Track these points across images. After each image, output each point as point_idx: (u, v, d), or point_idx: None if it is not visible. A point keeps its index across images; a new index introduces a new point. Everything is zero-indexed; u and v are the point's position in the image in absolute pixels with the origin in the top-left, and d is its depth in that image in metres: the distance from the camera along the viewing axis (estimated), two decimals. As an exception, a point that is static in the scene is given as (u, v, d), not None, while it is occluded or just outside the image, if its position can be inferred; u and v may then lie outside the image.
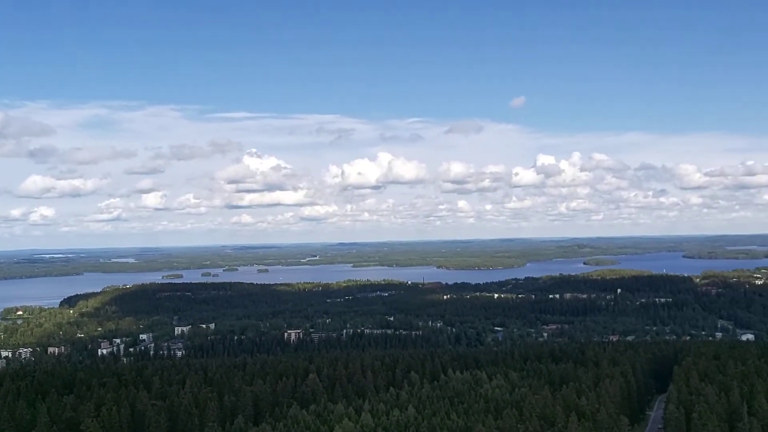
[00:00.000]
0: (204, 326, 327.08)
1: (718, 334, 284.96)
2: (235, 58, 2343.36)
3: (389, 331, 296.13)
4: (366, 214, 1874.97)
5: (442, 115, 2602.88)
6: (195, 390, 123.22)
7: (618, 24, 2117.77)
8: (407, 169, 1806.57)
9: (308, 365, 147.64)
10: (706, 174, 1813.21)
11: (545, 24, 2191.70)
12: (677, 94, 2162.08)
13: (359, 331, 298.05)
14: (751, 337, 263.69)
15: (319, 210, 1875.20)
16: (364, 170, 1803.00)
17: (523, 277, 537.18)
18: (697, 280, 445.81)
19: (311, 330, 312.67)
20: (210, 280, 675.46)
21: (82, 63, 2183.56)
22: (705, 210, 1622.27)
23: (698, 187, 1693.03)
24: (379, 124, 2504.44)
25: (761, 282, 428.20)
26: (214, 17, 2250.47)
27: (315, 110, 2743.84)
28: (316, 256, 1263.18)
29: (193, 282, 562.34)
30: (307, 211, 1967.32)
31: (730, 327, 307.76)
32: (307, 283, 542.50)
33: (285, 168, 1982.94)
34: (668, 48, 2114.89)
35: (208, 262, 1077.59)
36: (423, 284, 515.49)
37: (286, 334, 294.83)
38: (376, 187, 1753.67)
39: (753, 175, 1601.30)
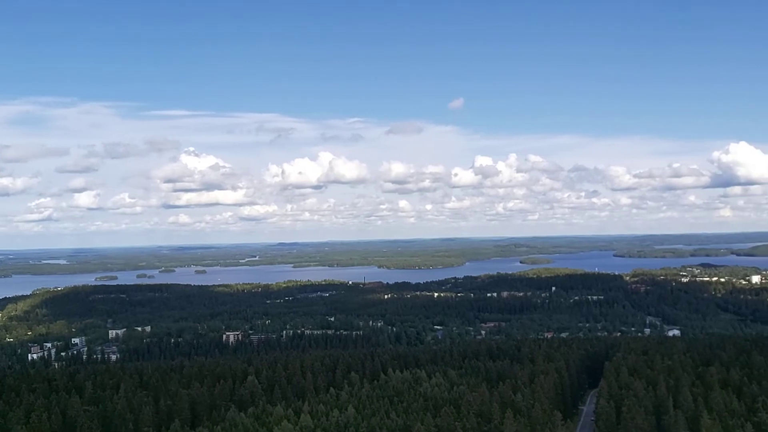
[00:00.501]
0: (139, 329, 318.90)
1: (647, 330, 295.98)
2: (172, 54, 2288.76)
3: (330, 332, 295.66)
4: (307, 214, 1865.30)
5: (383, 115, 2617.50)
6: (129, 394, 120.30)
7: (550, 28, 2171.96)
8: (348, 168, 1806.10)
9: (247, 367, 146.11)
10: (635, 176, 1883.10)
11: (482, 27, 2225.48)
12: (608, 98, 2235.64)
13: (299, 332, 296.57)
14: (677, 332, 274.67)
15: (259, 210, 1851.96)
16: (304, 170, 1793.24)
17: (462, 276, 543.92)
18: (627, 278, 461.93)
19: (250, 332, 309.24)
20: (146, 281, 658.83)
21: (9, 57, 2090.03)
22: (634, 210, 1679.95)
23: (628, 189, 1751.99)
24: (319, 123, 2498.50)
25: (687, 280, 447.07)
26: (148, 11, 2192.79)
27: (254, 109, 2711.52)
28: (255, 257, 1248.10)
29: (128, 284, 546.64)
30: (246, 210, 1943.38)
31: (658, 323, 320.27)
32: (246, 284, 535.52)
33: (224, 167, 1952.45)
34: (599, 53, 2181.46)
35: (143, 264, 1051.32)
36: (364, 284, 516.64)
37: (224, 336, 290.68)
38: (316, 187, 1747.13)
39: (679, 177, 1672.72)
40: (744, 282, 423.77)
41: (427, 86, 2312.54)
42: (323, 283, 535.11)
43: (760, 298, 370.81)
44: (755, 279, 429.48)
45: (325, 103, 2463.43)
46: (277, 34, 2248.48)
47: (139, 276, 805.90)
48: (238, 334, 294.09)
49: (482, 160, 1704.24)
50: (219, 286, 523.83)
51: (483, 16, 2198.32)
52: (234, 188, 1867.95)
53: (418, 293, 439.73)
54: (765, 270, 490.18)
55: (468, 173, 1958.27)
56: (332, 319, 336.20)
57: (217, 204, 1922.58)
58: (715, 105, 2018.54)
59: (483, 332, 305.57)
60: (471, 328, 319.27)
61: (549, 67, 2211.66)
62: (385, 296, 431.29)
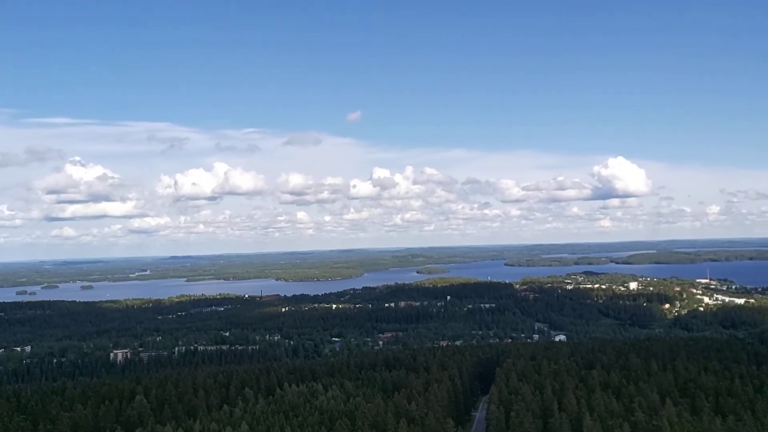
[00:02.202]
0: (18, 349, 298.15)
1: (536, 336, 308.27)
2: (53, 59, 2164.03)
3: (224, 347, 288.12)
4: (201, 226, 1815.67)
5: (280, 126, 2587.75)
6: (6, 419, 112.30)
7: (442, 41, 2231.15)
8: (244, 179, 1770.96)
9: (135, 386, 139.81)
10: (523, 188, 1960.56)
11: (379, 39, 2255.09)
12: (497, 113, 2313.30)
13: (192, 348, 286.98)
14: (563, 337, 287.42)
15: (150, 222, 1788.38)
16: (198, 181, 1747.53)
17: (361, 287, 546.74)
18: (517, 286, 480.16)
19: (140, 349, 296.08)
20: (26, 298, 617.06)
21: None
22: (523, 221, 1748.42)
23: (517, 201, 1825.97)
24: (214, 133, 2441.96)
25: (571, 287, 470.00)
26: (28, 13, 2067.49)
27: (145, 117, 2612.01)
28: (146, 271, 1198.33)
29: (6, 301, 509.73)
30: (136, 223, 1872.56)
31: (546, 329, 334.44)
32: (136, 299, 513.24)
33: (112, 178, 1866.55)
34: (489, 67, 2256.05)
35: (24, 279, 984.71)
36: (261, 297, 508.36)
37: (112, 355, 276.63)
38: (211, 198, 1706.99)
39: (563, 189, 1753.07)
40: (623, 288, 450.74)
41: (325, 97, 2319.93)
42: (218, 297, 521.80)
43: (637, 303, 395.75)
44: (633, 285, 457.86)
45: (219, 113, 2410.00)
46: (168, 40, 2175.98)
47: (18, 293, 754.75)
48: (126, 352, 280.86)
49: (380, 172, 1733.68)
50: (107, 302, 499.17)
51: (380, 28, 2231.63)
52: (123, 200, 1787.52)
53: (316, 305, 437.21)
54: (641, 277, 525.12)
55: (366, 185, 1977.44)
56: (227, 334, 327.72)
57: (105, 216, 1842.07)
58: (596, 122, 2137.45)
59: (381, 343, 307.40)
60: (369, 339, 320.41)
61: (443, 81, 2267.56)
62: (283, 309, 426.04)
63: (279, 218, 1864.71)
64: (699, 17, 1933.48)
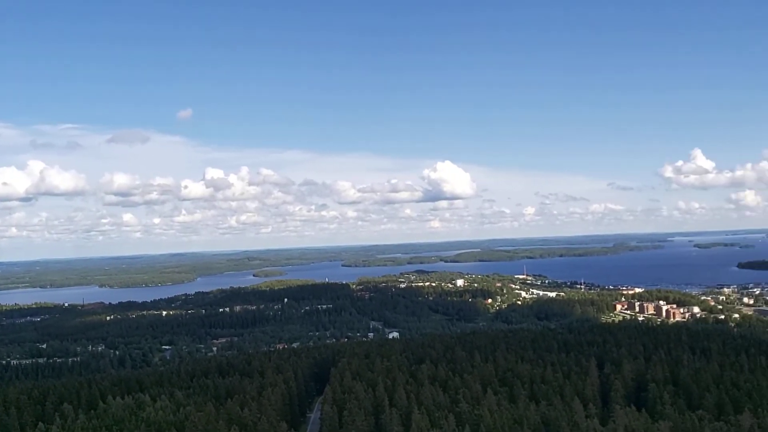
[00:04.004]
0: None
1: (371, 335, 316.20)
2: None
3: (41, 360, 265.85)
4: (13, 230, 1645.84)
5: (103, 122, 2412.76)
6: None
7: (280, 41, 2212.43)
8: (63, 179, 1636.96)
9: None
10: (359, 190, 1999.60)
11: (212, 33, 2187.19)
12: (332, 115, 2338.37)
13: (4, 362, 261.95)
14: (396, 334, 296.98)
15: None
16: (10, 180, 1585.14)
17: (193, 292, 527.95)
18: (354, 286, 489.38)
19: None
20: None
21: None
22: (359, 223, 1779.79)
23: (353, 202, 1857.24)
24: (27, 129, 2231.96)
25: (404, 285, 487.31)
26: None
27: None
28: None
29: None
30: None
31: (380, 327, 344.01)
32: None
33: None
34: (319, 70, 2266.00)
35: None
36: (82, 305, 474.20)
37: None
38: (25, 199, 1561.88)
39: (397, 192, 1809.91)
40: (451, 285, 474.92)
41: (153, 93, 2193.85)
42: (34, 306, 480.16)
43: (464, 299, 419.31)
44: (459, 282, 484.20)
45: (34, 107, 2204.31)
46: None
47: None
48: None
49: (213, 173, 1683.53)
50: None
51: (211, 22, 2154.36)
52: None
53: (144, 312, 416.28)
54: (467, 274, 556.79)
55: (199, 185, 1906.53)
56: (44, 346, 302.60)
57: None
58: (425, 126, 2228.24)
59: (215, 349, 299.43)
60: (202, 346, 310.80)
61: (278, 80, 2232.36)
62: (107, 317, 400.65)
63: (102, 221, 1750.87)
64: (510, 35, 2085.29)
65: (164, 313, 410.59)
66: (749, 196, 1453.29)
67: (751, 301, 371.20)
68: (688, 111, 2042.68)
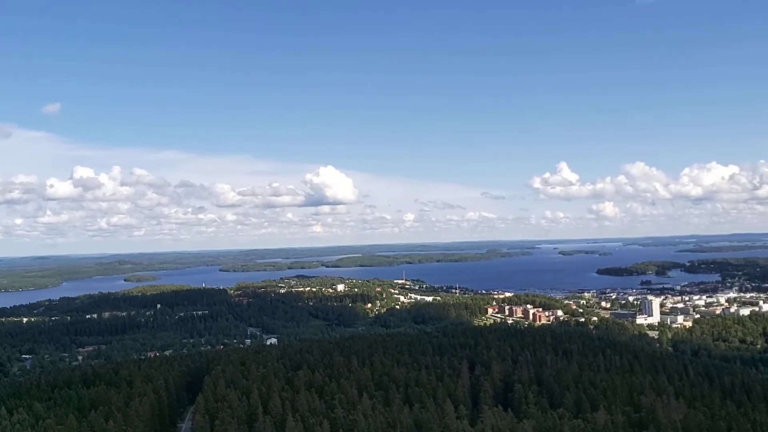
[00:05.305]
0: None
1: (248, 341, 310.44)
2: None
3: None
4: None
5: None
6: None
7: (158, 37, 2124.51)
8: None
9: None
10: (239, 193, 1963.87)
11: (85, 27, 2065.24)
12: (212, 115, 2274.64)
13: None
14: (274, 341, 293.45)
15: None
16: None
17: (58, 298, 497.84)
18: (232, 291, 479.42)
19: None
20: None
21: None
22: (239, 226, 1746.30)
23: (233, 205, 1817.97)
24: None
25: (284, 290, 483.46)
26: None
27: None
28: None
29: None
30: None
31: (258, 333, 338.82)
32: None
33: None
34: (198, 69, 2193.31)
35: None
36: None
37: None
38: None
39: (278, 195, 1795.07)
40: (331, 290, 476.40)
41: (16, 85, 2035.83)
42: None
43: (344, 304, 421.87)
44: (340, 287, 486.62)
45: None
46: None
47: None
48: None
49: (83, 172, 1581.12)
50: None
51: (85, 14, 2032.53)
52: None
53: (3, 319, 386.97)
54: (348, 279, 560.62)
55: (66, 185, 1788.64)
56: None
57: None
58: (308, 130, 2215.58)
59: (80, 358, 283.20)
60: (66, 354, 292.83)
61: (154, 77, 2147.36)
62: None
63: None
64: (391, 38, 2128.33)
65: (25, 319, 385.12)
66: (608, 208, 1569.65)
67: (608, 305, 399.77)
68: (555, 126, 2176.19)
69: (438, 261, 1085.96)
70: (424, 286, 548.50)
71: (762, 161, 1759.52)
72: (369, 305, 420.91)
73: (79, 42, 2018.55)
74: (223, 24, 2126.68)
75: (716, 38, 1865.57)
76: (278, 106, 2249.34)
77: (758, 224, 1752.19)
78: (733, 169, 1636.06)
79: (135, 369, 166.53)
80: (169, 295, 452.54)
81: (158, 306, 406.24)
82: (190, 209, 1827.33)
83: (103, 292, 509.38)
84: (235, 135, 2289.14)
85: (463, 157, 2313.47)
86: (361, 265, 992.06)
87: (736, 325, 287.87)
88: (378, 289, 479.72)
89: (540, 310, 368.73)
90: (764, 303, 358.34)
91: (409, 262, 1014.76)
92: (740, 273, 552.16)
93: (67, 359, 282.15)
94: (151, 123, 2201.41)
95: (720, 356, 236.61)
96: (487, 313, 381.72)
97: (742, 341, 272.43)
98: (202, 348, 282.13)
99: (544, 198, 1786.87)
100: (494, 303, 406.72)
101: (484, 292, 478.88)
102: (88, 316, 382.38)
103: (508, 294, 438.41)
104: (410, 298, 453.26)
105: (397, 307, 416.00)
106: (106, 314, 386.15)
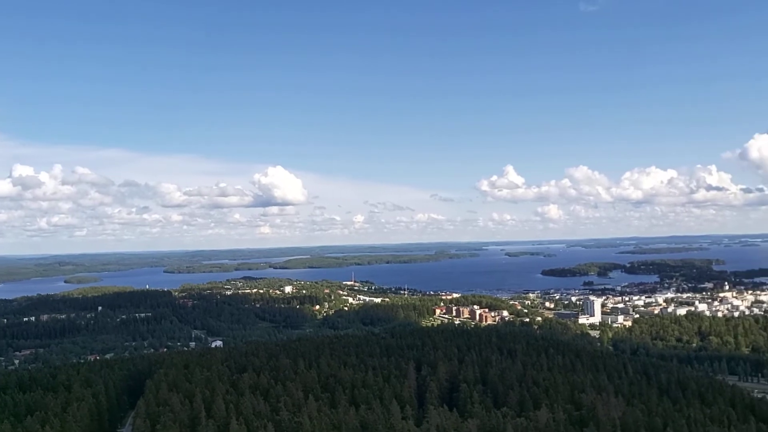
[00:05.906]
0: None
1: (192, 344, 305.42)
2: None
3: None
4: None
5: None
6: None
7: (102, 34, 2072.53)
8: None
9: None
10: (185, 193, 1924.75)
11: (24, 21, 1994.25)
12: (155, 114, 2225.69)
13: None
14: (219, 343, 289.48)
15: None
16: None
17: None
18: (176, 293, 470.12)
19: None
20: None
21: None
22: (185, 227, 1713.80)
23: (178, 206, 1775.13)
24: None
25: (231, 292, 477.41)
26: None
27: None
28: None
29: None
30: None
31: (203, 336, 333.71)
32: None
33: None
34: (143, 66, 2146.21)
35: None
36: None
37: None
38: None
39: (226, 196, 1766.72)
40: (279, 292, 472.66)
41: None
42: None
43: (291, 305, 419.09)
44: (288, 289, 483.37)
45: None
46: None
47: None
48: None
49: (21, 170, 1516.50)
50: None
51: (30, 10, 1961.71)
52: None
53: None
54: (296, 281, 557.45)
55: (4, 183, 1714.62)
56: None
57: None
58: (256, 130, 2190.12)
59: (17, 362, 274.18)
60: (2, 359, 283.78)
61: (97, 74, 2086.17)
62: None
63: None
64: (344, 39, 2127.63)
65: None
66: (553, 210, 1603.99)
67: (552, 305, 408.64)
68: (502, 130, 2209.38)
69: (387, 262, 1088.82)
70: (373, 287, 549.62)
71: (699, 166, 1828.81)
72: (317, 307, 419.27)
73: (18, 38, 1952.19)
74: (170, 22, 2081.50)
75: (658, 43, 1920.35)
76: (227, 105, 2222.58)
77: (695, 227, 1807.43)
78: (672, 173, 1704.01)
79: (74, 373, 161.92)
80: (111, 297, 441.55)
81: (99, 308, 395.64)
82: (134, 209, 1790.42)
83: (42, 294, 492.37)
84: (182, 134, 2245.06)
85: (413, 159, 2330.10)
86: (310, 267, 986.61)
87: (673, 325, 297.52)
88: (326, 291, 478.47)
89: (486, 310, 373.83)
90: (700, 303, 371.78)
91: (359, 264, 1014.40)
92: (677, 274, 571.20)
93: (3, 363, 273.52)
94: (95, 120, 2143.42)
95: (658, 355, 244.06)
96: (434, 314, 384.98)
97: (679, 340, 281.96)
98: (145, 351, 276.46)
99: (492, 200, 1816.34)
100: (442, 304, 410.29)
101: (432, 293, 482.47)
102: (25, 319, 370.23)
103: (455, 295, 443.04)
104: (359, 299, 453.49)
105: (346, 308, 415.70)
106: (45, 317, 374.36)
